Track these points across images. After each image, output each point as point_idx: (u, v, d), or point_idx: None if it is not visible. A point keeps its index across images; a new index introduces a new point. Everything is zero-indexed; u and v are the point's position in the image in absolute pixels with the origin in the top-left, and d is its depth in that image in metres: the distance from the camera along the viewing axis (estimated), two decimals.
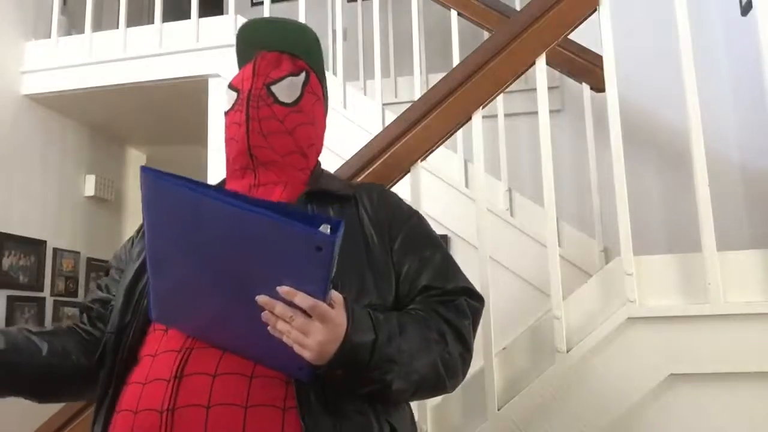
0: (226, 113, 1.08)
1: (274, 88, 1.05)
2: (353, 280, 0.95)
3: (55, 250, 3.44)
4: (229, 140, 1.07)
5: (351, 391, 0.87)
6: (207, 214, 0.76)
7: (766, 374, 1.36)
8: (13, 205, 3.22)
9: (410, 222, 1.07)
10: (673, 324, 1.42)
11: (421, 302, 0.99)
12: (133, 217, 4.11)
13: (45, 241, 3.38)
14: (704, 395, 1.40)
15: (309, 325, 0.77)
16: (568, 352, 1.46)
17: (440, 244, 1.08)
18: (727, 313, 1.38)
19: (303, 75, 1.08)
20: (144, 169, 0.78)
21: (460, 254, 2.23)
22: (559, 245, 1.84)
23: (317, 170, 1.12)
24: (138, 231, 1.15)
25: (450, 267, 1.05)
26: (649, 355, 1.42)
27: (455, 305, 0.99)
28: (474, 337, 1.01)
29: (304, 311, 0.77)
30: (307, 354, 0.78)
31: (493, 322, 1.52)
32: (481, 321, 1.50)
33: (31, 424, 1.90)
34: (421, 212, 1.14)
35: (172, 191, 0.77)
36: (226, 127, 1.08)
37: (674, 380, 1.41)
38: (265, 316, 0.78)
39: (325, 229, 0.73)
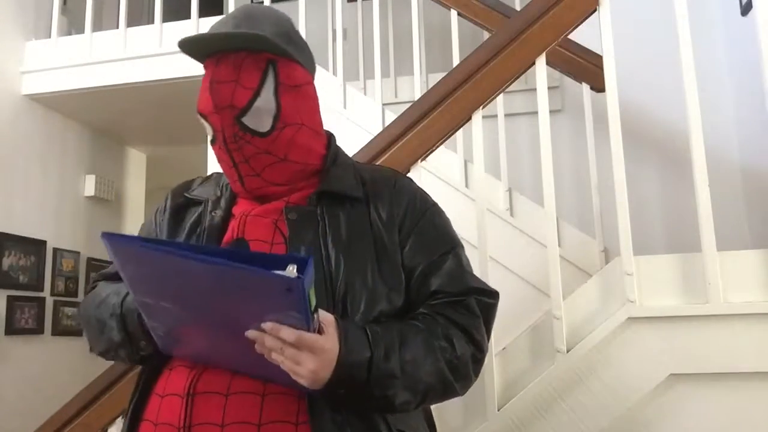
0: (211, 143, 1.00)
1: (245, 121, 0.94)
2: (363, 289, 0.93)
3: (55, 250, 3.44)
4: (224, 172, 1.03)
5: (357, 406, 0.87)
6: (173, 269, 0.76)
7: (766, 374, 1.36)
8: (13, 205, 3.22)
9: (423, 219, 1.03)
10: (673, 324, 1.42)
11: (429, 306, 0.96)
12: (133, 217, 4.11)
13: (45, 241, 3.38)
14: (704, 395, 1.40)
15: (299, 355, 0.77)
16: (568, 352, 1.46)
17: (453, 241, 1.04)
18: (727, 313, 1.38)
19: (270, 77, 0.95)
20: (105, 236, 0.78)
21: None
22: (559, 245, 1.84)
23: (329, 157, 1.04)
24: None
25: (461, 269, 1.01)
26: (649, 355, 1.42)
27: (465, 305, 0.97)
28: (489, 334, 1.00)
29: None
30: (302, 381, 0.79)
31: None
32: None
33: (31, 424, 1.91)
34: None
35: (135, 252, 0.78)
36: (217, 157, 1.01)
37: (674, 380, 1.41)
38: (258, 348, 0.79)
39: (292, 268, 0.72)
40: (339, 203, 0.99)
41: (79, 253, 3.62)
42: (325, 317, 0.82)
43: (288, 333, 0.76)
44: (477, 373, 0.97)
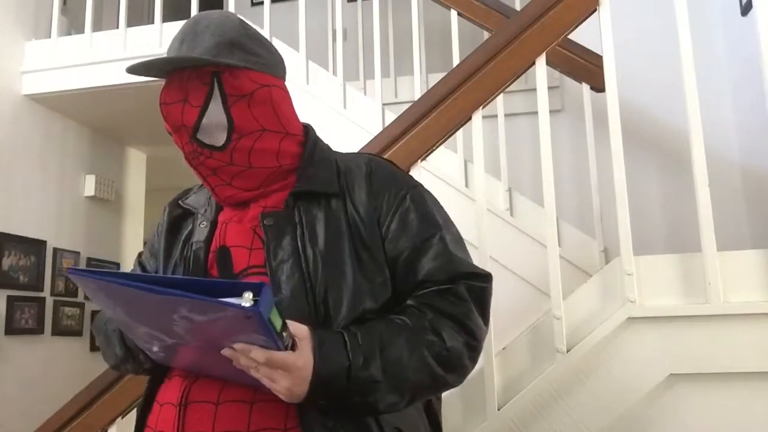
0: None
1: (200, 137, 0.96)
2: (344, 289, 0.92)
3: (55, 250, 3.44)
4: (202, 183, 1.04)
5: (343, 412, 0.86)
6: (136, 299, 0.78)
7: (766, 374, 1.36)
8: (13, 205, 3.22)
9: (403, 205, 0.99)
10: (673, 324, 1.42)
11: (416, 298, 0.94)
12: (133, 217, 4.11)
13: (45, 241, 3.38)
14: (704, 395, 1.40)
15: (273, 373, 0.78)
16: (568, 352, 1.46)
17: (436, 224, 1.00)
18: (727, 313, 1.38)
19: (216, 91, 0.95)
20: (71, 272, 0.81)
21: None
22: (559, 245, 1.84)
23: (305, 154, 1.02)
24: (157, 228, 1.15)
25: (448, 253, 0.97)
26: (648, 355, 1.42)
27: (453, 293, 0.94)
28: (485, 317, 0.97)
29: None
30: (281, 396, 0.81)
31: (493, 322, 1.52)
32: None
33: (31, 424, 1.91)
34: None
35: (98, 285, 0.81)
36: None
37: (674, 380, 1.41)
38: (236, 365, 0.79)
39: (249, 295, 0.73)
40: (316, 202, 0.98)
41: (79, 253, 3.62)
42: (299, 330, 0.81)
43: (258, 354, 0.76)
44: (474, 360, 0.95)
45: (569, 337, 1.48)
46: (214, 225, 1.02)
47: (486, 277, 0.99)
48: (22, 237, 3.24)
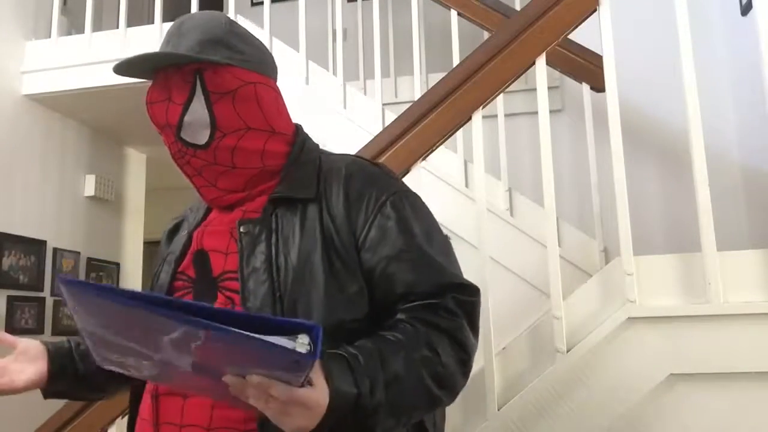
0: None
1: (184, 136, 0.95)
2: (314, 302, 0.89)
3: (55, 250, 3.44)
4: None
5: None
6: (153, 323, 0.68)
7: (766, 374, 1.36)
8: (13, 205, 3.22)
9: (383, 211, 0.94)
10: (673, 324, 1.42)
11: (405, 311, 0.90)
12: (133, 217, 4.11)
13: (45, 241, 3.38)
14: (704, 395, 1.40)
15: (288, 409, 0.71)
16: (568, 352, 1.46)
17: (416, 231, 0.94)
18: (727, 313, 1.38)
19: (199, 89, 0.94)
20: (67, 282, 0.71)
21: (460, 254, 2.23)
22: (559, 245, 1.84)
23: (292, 156, 1.00)
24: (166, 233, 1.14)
25: (429, 262, 0.92)
26: (649, 355, 1.42)
27: (444, 306, 0.90)
28: (476, 332, 0.93)
29: None
30: (283, 428, 0.73)
31: (493, 322, 1.52)
32: (481, 321, 1.51)
33: (31, 424, 1.90)
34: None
35: (102, 302, 0.70)
36: None
37: (674, 380, 1.41)
38: (233, 391, 0.71)
39: (305, 341, 0.65)
40: (293, 207, 0.95)
41: (79, 253, 3.62)
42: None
43: (279, 390, 0.69)
44: (465, 375, 0.92)
45: (569, 337, 1.48)
46: (198, 227, 1.03)
47: (474, 290, 0.95)
48: (22, 237, 3.24)
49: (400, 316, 0.90)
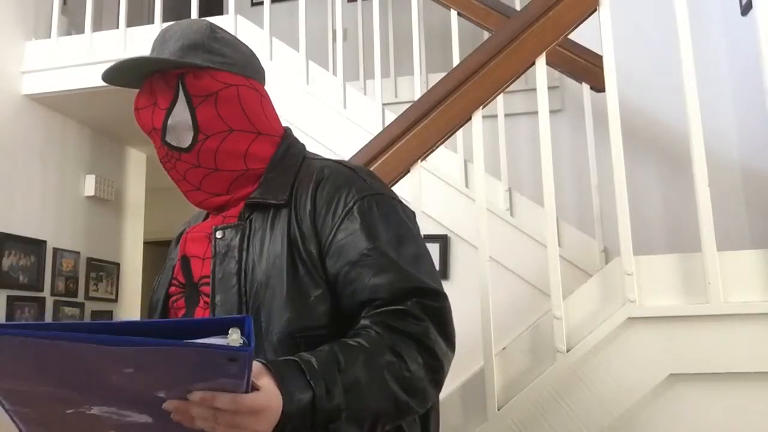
0: None
1: (169, 140, 0.97)
2: (276, 308, 0.88)
3: (55, 250, 3.44)
4: None
5: None
6: (70, 359, 0.63)
7: (766, 374, 1.36)
8: (13, 205, 3.22)
9: (350, 215, 0.92)
10: (673, 324, 1.42)
11: (369, 317, 0.87)
12: (133, 217, 4.11)
13: (45, 241, 3.38)
14: (704, 395, 1.40)
15: (237, 419, 0.68)
16: (568, 352, 1.46)
17: (381, 235, 0.91)
18: (727, 313, 1.38)
19: (181, 93, 0.96)
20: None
21: (460, 254, 2.23)
22: (559, 245, 1.84)
23: (275, 158, 1.00)
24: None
25: (391, 266, 0.89)
26: (648, 355, 1.42)
27: (407, 313, 0.86)
28: (447, 338, 0.89)
29: None
30: None
31: (493, 322, 1.52)
32: (481, 321, 1.52)
33: None
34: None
35: (26, 345, 0.62)
36: None
37: (674, 380, 1.41)
38: (176, 418, 0.67)
39: (236, 336, 0.63)
40: (267, 212, 0.95)
41: (79, 253, 3.61)
42: (255, 368, 0.71)
43: (225, 401, 0.66)
44: (437, 384, 0.87)
45: (569, 337, 1.48)
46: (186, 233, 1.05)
47: (439, 295, 0.90)
48: (22, 237, 3.24)
49: (363, 321, 0.87)
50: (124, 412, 0.70)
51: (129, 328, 0.64)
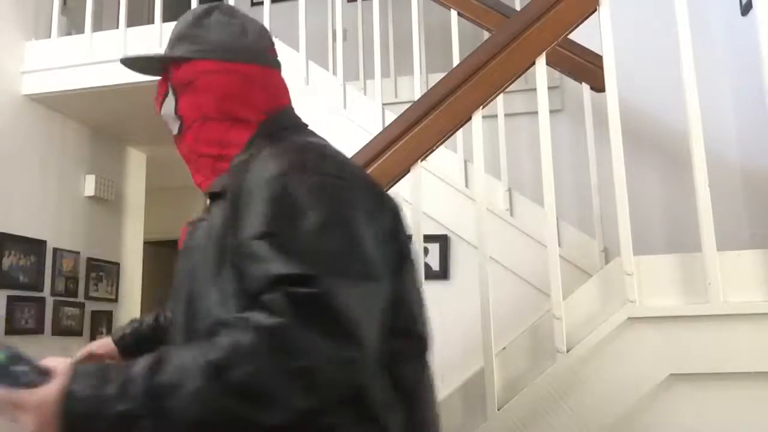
0: None
1: (170, 127, 1.06)
2: (206, 300, 0.87)
3: (55, 250, 3.44)
4: None
5: None
6: None
7: (766, 374, 1.36)
8: (13, 205, 3.22)
9: (252, 199, 0.84)
10: (673, 324, 1.42)
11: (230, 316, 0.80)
12: (133, 217, 4.11)
13: (45, 241, 3.38)
14: (704, 395, 1.40)
15: (16, 416, 0.74)
16: (568, 352, 1.46)
17: (269, 219, 0.81)
18: (727, 313, 1.38)
19: (168, 86, 1.03)
20: None
21: (460, 254, 2.23)
22: (559, 245, 1.84)
23: (243, 148, 0.98)
24: None
25: (270, 250, 0.78)
26: (649, 355, 1.42)
27: (268, 302, 0.74)
28: (321, 331, 0.73)
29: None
30: None
31: (493, 322, 1.52)
32: (481, 321, 1.52)
33: None
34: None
35: None
36: None
37: (674, 380, 1.41)
38: None
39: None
40: (217, 204, 0.93)
41: (79, 253, 3.61)
42: (57, 366, 0.76)
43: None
44: (302, 387, 0.72)
45: (569, 337, 1.48)
46: None
47: (312, 280, 0.75)
48: (22, 237, 3.24)
49: (224, 317, 0.80)
50: None
51: None
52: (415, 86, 2.52)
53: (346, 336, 0.75)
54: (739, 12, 2.75)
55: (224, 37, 1.02)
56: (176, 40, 1.04)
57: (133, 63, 1.06)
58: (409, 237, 0.98)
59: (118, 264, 3.91)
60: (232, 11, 1.06)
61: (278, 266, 0.76)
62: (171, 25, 3.00)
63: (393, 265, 0.88)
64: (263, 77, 1.03)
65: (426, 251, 2.24)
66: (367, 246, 0.82)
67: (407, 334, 0.91)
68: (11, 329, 3.14)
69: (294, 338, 0.73)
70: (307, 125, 1.07)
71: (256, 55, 1.03)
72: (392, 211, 0.93)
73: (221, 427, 0.73)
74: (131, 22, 3.12)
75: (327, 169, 0.87)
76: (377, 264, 0.83)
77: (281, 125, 1.02)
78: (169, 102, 1.03)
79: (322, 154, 0.91)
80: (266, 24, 2.70)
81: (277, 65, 1.07)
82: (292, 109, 1.08)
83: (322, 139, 1.01)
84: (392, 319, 0.85)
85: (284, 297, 0.74)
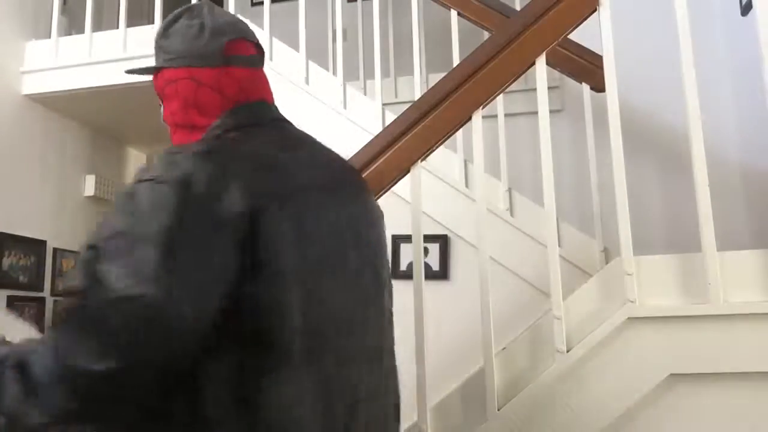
0: None
1: None
2: None
3: (55, 250, 3.44)
4: None
5: None
6: None
7: (766, 374, 1.36)
8: (13, 205, 3.22)
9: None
10: (673, 324, 1.42)
11: None
12: None
13: (45, 241, 3.38)
14: (704, 395, 1.40)
15: None
16: (568, 352, 1.46)
17: (98, 234, 0.82)
18: (727, 313, 1.38)
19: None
20: None
21: (460, 254, 2.23)
22: (559, 245, 1.84)
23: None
24: None
25: (79, 267, 0.81)
26: (649, 355, 1.42)
27: (59, 314, 0.78)
28: (107, 343, 0.74)
29: None
30: None
31: (493, 322, 1.52)
32: (481, 321, 1.52)
33: None
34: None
35: None
36: None
37: (674, 380, 1.41)
38: None
39: None
40: None
41: (79, 253, 3.61)
42: None
43: None
44: (41, 407, 0.74)
45: (569, 337, 1.48)
46: None
47: (81, 291, 0.77)
48: (22, 237, 3.24)
49: None
50: None
51: None
52: (415, 86, 2.52)
53: (110, 345, 0.74)
54: (739, 12, 2.75)
55: (182, 43, 1.01)
56: (155, 51, 1.06)
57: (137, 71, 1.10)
58: (367, 242, 0.96)
59: None
60: (197, 12, 1.02)
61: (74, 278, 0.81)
62: None
63: (235, 272, 0.79)
64: (216, 79, 0.99)
65: (426, 251, 2.24)
66: (151, 258, 0.76)
67: (268, 344, 0.80)
68: None
69: (44, 353, 0.76)
70: (274, 119, 1.01)
71: (209, 57, 0.99)
72: (244, 218, 0.80)
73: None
74: (131, 22, 3.12)
75: (157, 174, 0.82)
76: (156, 278, 0.76)
77: (226, 126, 0.97)
78: (160, 110, 1.07)
79: (174, 159, 0.84)
80: (266, 24, 2.70)
81: (238, 62, 1.00)
82: (263, 102, 1.02)
83: (282, 135, 0.97)
84: (244, 325, 0.79)
85: (66, 309, 0.79)
